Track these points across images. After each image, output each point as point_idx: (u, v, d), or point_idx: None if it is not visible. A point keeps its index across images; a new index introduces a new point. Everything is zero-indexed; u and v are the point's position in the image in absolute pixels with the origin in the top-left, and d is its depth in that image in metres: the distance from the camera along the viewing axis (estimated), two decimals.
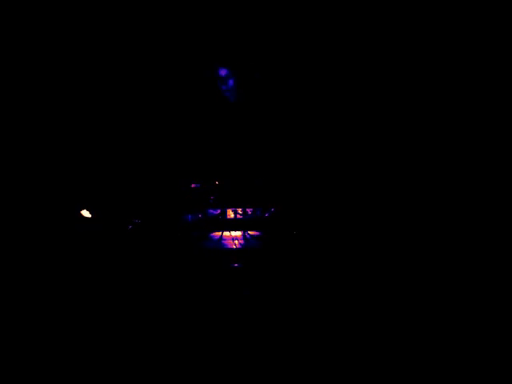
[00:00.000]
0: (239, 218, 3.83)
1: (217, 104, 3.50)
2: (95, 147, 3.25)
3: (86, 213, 3.27)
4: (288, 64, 3.47)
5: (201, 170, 3.68)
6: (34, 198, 2.95)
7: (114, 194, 3.36)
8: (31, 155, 2.96)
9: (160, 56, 3.32)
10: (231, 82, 3.39)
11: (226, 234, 3.86)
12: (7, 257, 2.74)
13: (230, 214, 3.84)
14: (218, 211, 3.81)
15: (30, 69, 2.91)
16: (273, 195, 3.78)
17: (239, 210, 3.83)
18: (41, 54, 2.92)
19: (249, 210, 3.83)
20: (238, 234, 3.89)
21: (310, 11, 3.28)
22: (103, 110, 3.26)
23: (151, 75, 3.35)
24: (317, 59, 3.46)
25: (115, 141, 3.34)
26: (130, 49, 3.21)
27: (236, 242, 3.70)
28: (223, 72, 3.24)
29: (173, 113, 3.52)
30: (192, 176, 3.71)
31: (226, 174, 3.72)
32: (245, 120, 3.65)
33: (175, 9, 3.14)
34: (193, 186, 3.74)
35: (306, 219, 3.67)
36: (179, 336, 2.32)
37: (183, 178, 3.67)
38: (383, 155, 3.49)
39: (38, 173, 2.99)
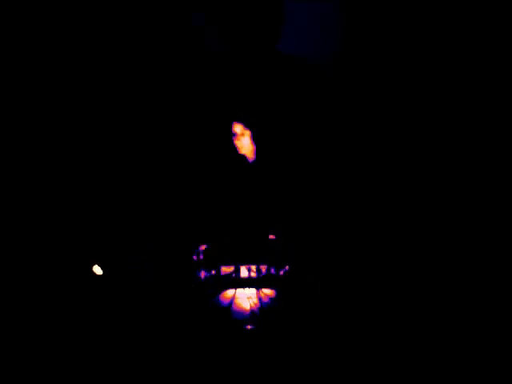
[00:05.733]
0: (253, 277, 3.64)
1: (229, 161, 3.68)
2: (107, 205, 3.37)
3: (97, 269, 3.22)
4: (296, 121, 3.73)
5: (213, 227, 3.68)
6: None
7: (123, 249, 3.35)
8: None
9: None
10: (246, 140, 3.57)
11: (240, 291, 3.61)
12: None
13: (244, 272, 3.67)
14: (232, 268, 3.66)
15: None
16: (287, 252, 3.65)
17: (253, 268, 3.67)
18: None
19: (263, 268, 3.66)
20: (253, 292, 3.62)
21: None
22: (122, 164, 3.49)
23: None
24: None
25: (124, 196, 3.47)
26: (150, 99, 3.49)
27: (251, 301, 3.42)
28: (238, 129, 3.42)
29: (184, 171, 3.71)
30: (203, 234, 3.71)
31: (239, 230, 3.69)
32: (258, 177, 3.78)
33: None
34: (204, 246, 3.71)
35: (323, 278, 3.43)
36: None
37: (195, 235, 3.67)
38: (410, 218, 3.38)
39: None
